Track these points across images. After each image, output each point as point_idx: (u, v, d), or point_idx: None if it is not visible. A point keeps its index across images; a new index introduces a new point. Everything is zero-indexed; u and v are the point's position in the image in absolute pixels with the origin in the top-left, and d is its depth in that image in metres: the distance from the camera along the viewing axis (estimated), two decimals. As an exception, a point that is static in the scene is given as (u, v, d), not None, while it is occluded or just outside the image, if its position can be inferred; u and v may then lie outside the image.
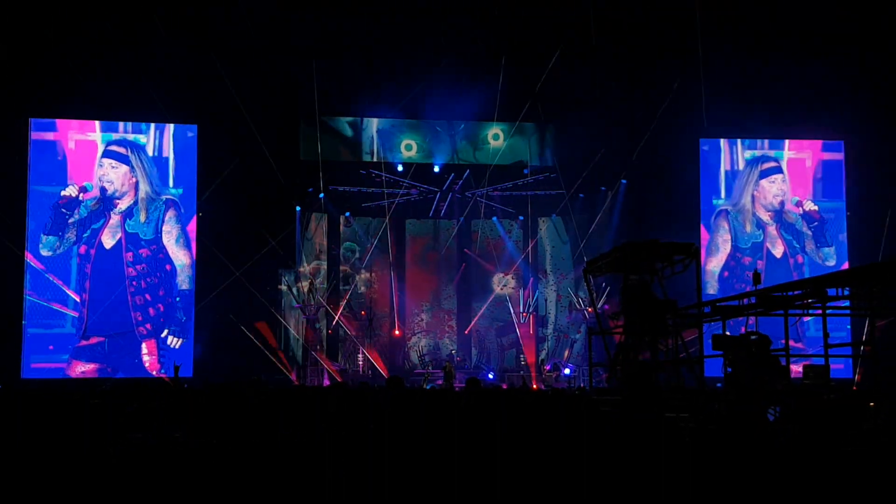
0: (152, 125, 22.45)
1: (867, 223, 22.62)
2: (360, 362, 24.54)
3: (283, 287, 24.14)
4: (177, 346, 21.91)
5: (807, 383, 11.67)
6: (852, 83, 21.61)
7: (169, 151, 22.46)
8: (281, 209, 23.38)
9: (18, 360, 21.11)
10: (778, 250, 23.57)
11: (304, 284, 24.40)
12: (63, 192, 21.75)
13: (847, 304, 11.88)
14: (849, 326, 19.87)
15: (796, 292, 10.84)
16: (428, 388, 20.91)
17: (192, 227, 22.36)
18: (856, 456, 7.46)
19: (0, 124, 21.36)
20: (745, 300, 11.87)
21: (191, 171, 22.42)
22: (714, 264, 23.28)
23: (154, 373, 21.66)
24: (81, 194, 21.81)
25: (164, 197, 22.27)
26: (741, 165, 23.89)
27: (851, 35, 20.22)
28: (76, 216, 21.80)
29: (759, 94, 22.18)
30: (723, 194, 23.77)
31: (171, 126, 22.48)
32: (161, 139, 22.47)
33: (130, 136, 22.35)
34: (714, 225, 23.59)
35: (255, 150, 22.15)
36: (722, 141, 23.85)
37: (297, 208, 24.33)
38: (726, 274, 23.42)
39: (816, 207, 23.64)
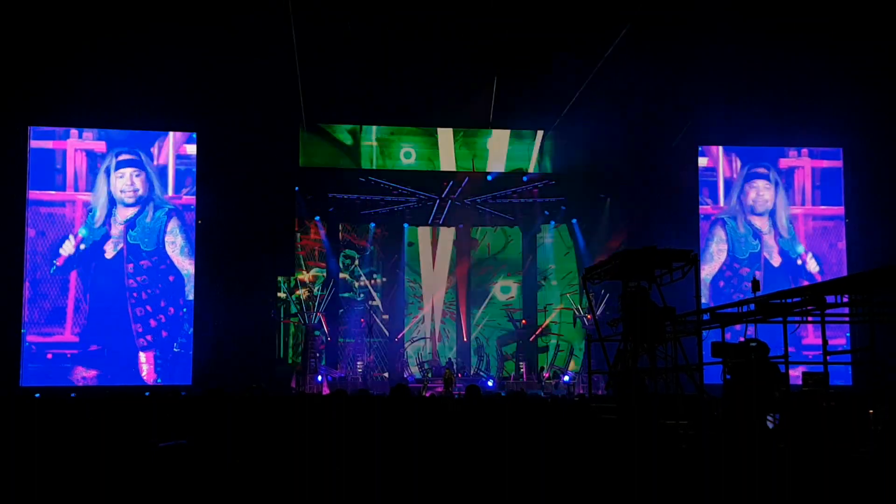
0: (152, 133, 22.46)
1: (866, 230, 22.64)
2: (360, 370, 24.53)
3: (282, 294, 24.13)
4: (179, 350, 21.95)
5: (806, 390, 11.66)
6: (850, 89, 21.64)
7: (168, 159, 22.47)
8: (280, 217, 23.39)
9: (17, 369, 21.08)
10: (776, 259, 23.57)
11: (304, 292, 24.40)
12: (63, 211, 21.79)
13: (847, 310, 11.88)
14: (848, 334, 19.87)
15: (795, 299, 10.85)
16: (427, 395, 20.92)
17: (192, 234, 22.37)
18: (854, 462, 7.45)
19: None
20: (744, 307, 11.87)
21: (190, 179, 22.43)
22: (707, 272, 23.19)
23: (151, 383, 21.60)
24: (83, 212, 21.81)
25: (167, 207, 22.27)
26: (738, 173, 23.92)
27: (849, 41, 20.24)
28: (82, 231, 21.79)
29: (757, 102, 22.21)
30: (721, 202, 23.79)
31: (171, 134, 22.51)
32: (160, 147, 22.48)
33: (128, 146, 22.36)
34: (709, 233, 23.57)
35: (254, 158, 22.20)
36: (720, 148, 23.90)
37: (297, 216, 24.37)
38: (721, 284, 23.40)
39: (811, 228, 23.66)
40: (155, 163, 22.37)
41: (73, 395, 19.91)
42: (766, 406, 9.81)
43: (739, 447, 8.16)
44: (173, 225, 22.23)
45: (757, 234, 23.62)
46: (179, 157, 22.48)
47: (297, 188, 24.01)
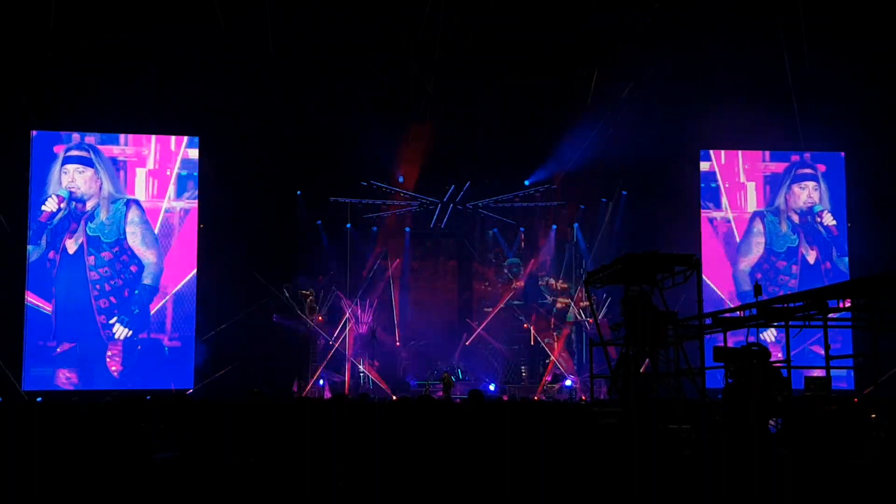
0: (154, 137, 22.49)
1: (868, 234, 22.60)
2: (362, 373, 24.51)
3: (285, 298, 24.09)
4: (125, 336, 21.85)
5: (808, 395, 11.64)
6: (852, 94, 21.61)
7: (171, 162, 22.48)
8: (282, 220, 23.38)
9: (19, 372, 21.09)
10: (811, 256, 23.58)
11: (306, 295, 24.35)
12: (43, 207, 21.74)
13: (849, 315, 11.88)
14: (850, 338, 19.83)
15: (797, 304, 10.83)
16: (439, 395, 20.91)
17: (193, 237, 22.35)
18: (855, 468, 7.42)
19: (2, 137, 21.41)
20: (747, 311, 11.85)
21: (192, 183, 22.44)
22: (745, 264, 23.42)
23: (118, 377, 21.51)
24: (62, 204, 21.79)
25: (125, 197, 22.19)
26: (742, 176, 23.89)
27: (851, 44, 20.23)
28: (53, 223, 21.78)
29: (758, 106, 22.17)
30: (723, 205, 23.77)
31: (174, 138, 22.53)
32: (163, 151, 22.49)
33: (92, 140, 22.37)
34: (749, 226, 23.57)
35: (256, 162, 22.20)
36: (722, 152, 23.89)
37: (298, 220, 24.35)
38: (759, 276, 23.38)
39: (835, 222, 23.60)
40: (155, 167, 22.35)
41: (75, 398, 19.93)
42: (767, 411, 9.78)
43: (740, 452, 8.14)
44: (133, 216, 22.14)
45: (795, 230, 23.61)
46: (181, 161, 22.48)
47: (298, 192, 23.98)
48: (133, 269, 22.05)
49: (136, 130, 22.37)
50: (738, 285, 23.41)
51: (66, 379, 21.40)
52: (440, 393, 21.91)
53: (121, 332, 21.85)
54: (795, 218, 23.71)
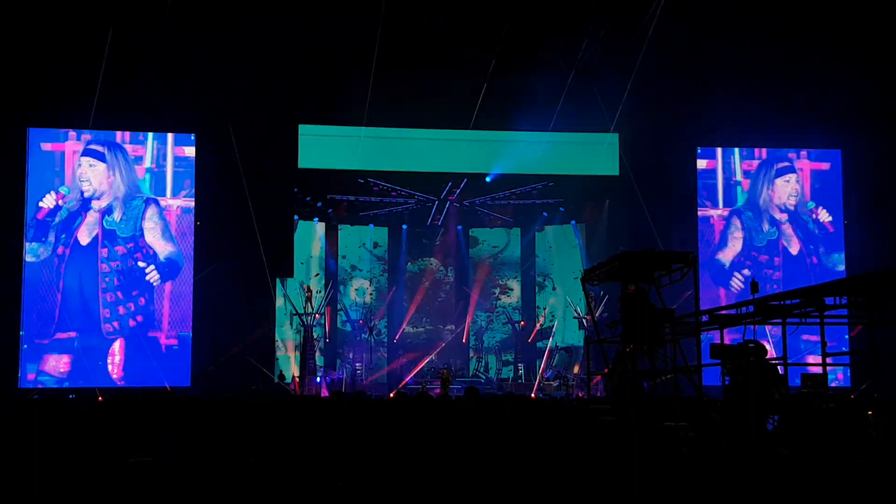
0: (150, 134, 22.46)
1: (865, 232, 22.64)
2: (359, 371, 24.54)
3: (281, 295, 24.11)
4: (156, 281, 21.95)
5: (805, 392, 11.68)
6: (849, 93, 21.64)
7: (167, 160, 22.46)
8: (278, 218, 23.37)
9: (16, 370, 21.06)
10: (794, 248, 23.58)
11: (302, 293, 24.38)
12: (41, 204, 21.72)
13: (846, 312, 11.90)
14: (846, 336, 19.86)
15: (794, 301, 10.86)
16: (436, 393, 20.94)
17: (190, 232, 22.35)
18: (854, 467, 7.44)
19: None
20: (744, 309, 11.87)
21: (189, 180, 22.42)
22: (722, 256, 23.43)
23: (116, 379, 21.49)
24: (60, 200, 21.77)
25: (143, 195, 22.20)
26: (739, 174, 23.92)
27: (848, 43, 20.26)
28: (58, 219, 21.74)
29: (756, 104, 22.21)
30: (720, 202, 23.79)
31: (170, 135, 22.51)
32: (159, 148, 22.46)
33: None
34: (727, 221, 23.59)
35: (253, 159, 22.18)
36: (719, 149, 23.92)
37: (296, 217, 24.34)
38: (745, 272, 23.38)
39: (830, 218, 23.60)
40: (151, 164, 22.34)
41: (71, 396, 19.90)
42: (764, 407, 9.81)
43: (738, 449, 8.16)
44: (151, 213, 22.16)
45: (775, 223, 23.60)
46: (178, 158, 22.47)
47: (295, 189, 23.98)
48: (143, 265, 22.07)
49: (132, 128, 22.34)
50: (717, 277, 23.48)
51: (60, 369, 21.35)
52: (437, 390, 21.96)
53: (153, 276, 21.90)
54: (777, 212, 23.71)
